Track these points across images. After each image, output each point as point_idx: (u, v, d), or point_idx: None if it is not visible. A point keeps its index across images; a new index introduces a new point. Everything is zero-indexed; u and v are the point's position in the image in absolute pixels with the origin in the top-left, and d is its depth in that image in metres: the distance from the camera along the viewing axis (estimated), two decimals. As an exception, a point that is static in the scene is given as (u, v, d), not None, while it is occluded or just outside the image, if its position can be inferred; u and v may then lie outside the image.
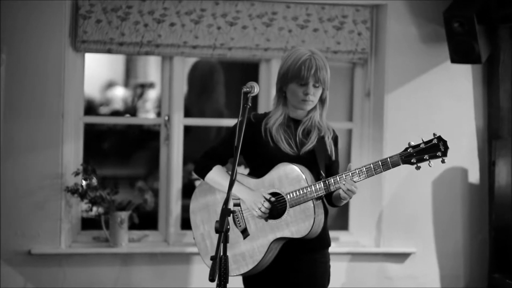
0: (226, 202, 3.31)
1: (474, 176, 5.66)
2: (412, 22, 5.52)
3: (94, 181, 5.29)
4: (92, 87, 8.05)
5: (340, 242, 5.60)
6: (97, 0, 5.21)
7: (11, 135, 5.13)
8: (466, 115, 5.64)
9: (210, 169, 3.80)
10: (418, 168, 3.54)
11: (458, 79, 5.61)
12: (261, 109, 5.53)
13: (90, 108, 7.89)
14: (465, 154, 5.63)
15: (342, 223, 5.75)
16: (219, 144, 3.84)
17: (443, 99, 5.59)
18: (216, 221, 3.28)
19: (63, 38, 5.19)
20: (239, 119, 3.49)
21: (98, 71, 7.99)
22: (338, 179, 3.61)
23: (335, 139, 3.83)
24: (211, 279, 3.16)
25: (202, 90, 6.90)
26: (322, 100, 3.77)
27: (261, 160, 3.76)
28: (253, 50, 5.40)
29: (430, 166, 3.55)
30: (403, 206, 5.55)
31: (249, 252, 3.71)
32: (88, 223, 5.48)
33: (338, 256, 5.46)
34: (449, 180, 5.61)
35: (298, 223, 3.65)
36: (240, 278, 3.83)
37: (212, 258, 3.20)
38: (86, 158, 5.35)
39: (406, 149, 3.55)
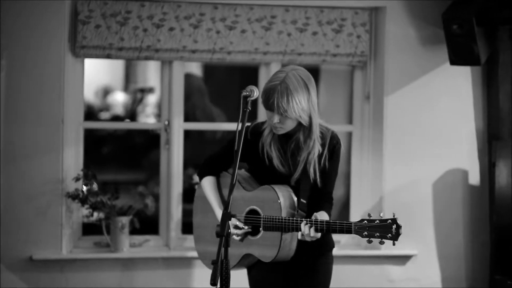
0: (226, 206, 3.32)
1: (474, 178, 5.66)
2: (411, 25, 5.52)
3: (95, 186, 5.28)
4: (92, 93, 8.07)
5: (341, 245, 5.59)
6: (96, 5, 5.21)
7: (11, 141, 5.13)
8: (466, 116, 5.64)
9: (202, 178, 3.89)
10: (369, 242, 3.46)
11: (458, 81, 5.61)
12: (261, 113, 5.53)
13: (90, 113, 7.90)
14: (465, 156, 5.63)
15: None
16: (218, 153, 3.87)
17: (443, 101, 5.59)
18: (217, 225, 3.29)
19: (62, 43, 5.19)
20: (239, 123, 3.49)
21: (98, 77, 8.00)
22: (300, 224, 3.56)
23: (332, 150, 3.74)
24: (213, 283, 3.18)
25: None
26: (304, 125, 3.66)
27: (258, 174, 3.79)
28: (252, 54, 5.40)
29: (380, 244, 3.47)
30: (404, 208, 5.54)
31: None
32: (89, 229, 5.48)
33: (340, 259, 5.45)
34: (449, 182, 5.61)
35: (265, 248, 3.66)
36: (242, 280, 3.87)
37: (213, 263, 3.21)
38: (86, 163, 5.35)
39: (362, 220, 3.48)
